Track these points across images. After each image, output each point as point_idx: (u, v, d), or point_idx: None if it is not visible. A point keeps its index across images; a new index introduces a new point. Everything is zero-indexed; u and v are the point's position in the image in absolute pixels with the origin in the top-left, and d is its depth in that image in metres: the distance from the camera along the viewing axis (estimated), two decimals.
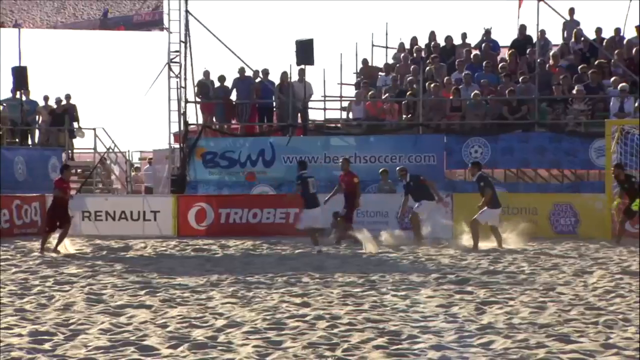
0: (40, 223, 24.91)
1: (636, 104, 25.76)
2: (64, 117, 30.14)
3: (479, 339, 8.90)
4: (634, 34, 27.18)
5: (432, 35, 29.96)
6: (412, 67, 28.28)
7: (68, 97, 30.98)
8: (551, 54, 28.27)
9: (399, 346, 8.41)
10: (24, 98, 29.91)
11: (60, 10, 30.55)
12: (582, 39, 28.46)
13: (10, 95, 30.07)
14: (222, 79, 29.23)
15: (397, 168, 23.02)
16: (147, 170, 32.26)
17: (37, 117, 31.09)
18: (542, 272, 16.21)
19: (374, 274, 16.20)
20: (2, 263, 18.25)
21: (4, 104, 29.22)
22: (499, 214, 21.50)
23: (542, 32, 28.41)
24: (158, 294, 13.23)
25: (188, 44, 28.35)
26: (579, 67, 26.48)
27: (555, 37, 30.14)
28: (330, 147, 27.70)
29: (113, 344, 8.55)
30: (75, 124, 30.50)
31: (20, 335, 9.14)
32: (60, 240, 20.40)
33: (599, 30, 26.76)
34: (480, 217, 20.92)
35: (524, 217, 23.35)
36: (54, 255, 20.00)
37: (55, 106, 30.51)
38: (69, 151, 31.33)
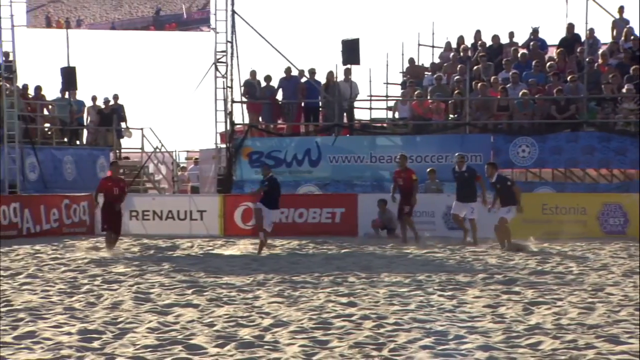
0: (88, 222, 25.65)
1: None
2: (111, 117, 30.54)
3: (527, 339, 8.81)
4: None
5: (479, 34, 29.92)
6: (459, 66, 28.19)
7: (116, 97, 31.33)
8: (600, 52, 27.95)
9: (446, 346, 8.38)
10: (72, 98, 29.96)
11: (117, 8, 31.22)
12: (632, 37, 27.72)
13: (59, 95, 30.42)
14: (268, 78, 29.25)
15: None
16: (194, 170, 32.69)
17: (85, 117, 31.49)
18: (590, 272, 16.05)
19: (421, 274, 16.19)
20: (51, 262, 18.53)
21: (53, 104, 29.64)
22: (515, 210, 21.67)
23: (591, 31, 28.17)
24: (205, 293, 13.38)
25: (234, 44, 28.20)
26: (631, 68, 26.12)
27: (604, 35, 29.73)
28: (377, 147, 27.74)
29: (161, 343, 8.71)
30: (123, 124, 30.94)
31: (69, 333, 9.23)
32: (112, 242, 20.89)
33: None
34: (507, 216, 20.94)
35: (572, 217, 23.73)
36: (106, 255, 20.19)
37: (103, 106, 30.92)
38: (117, 151, 31.66)
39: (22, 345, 8.58)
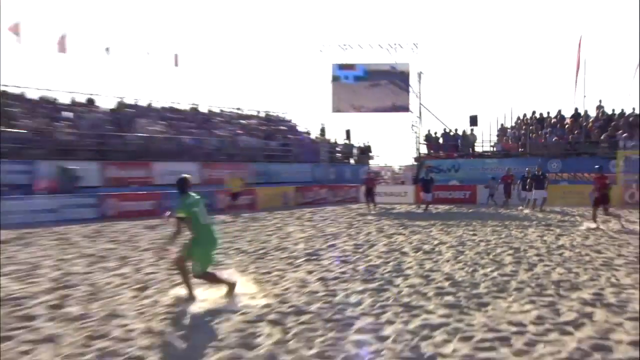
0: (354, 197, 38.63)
1: None
2: (369, 149, 48.82)
3: (558, 252, 16.10)
4: None
5: (526, 115, 43.49)
6: (523, 128, 41.35)
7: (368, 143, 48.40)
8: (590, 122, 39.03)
9: (519, 254, 15.18)
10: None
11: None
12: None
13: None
14: (431, 135, 43.52)
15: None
16: (404, 173, 46.49)
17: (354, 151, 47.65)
18: (583, 222, 23.70)
19: (507, 221, 24.56)
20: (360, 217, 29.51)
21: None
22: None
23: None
24: (408, 228, 21.61)
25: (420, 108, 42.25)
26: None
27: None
28: (485, 164, 39.85)
29: (388, 249, 16.14)
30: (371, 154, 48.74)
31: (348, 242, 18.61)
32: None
33: None
34: (546, 195, 30.24)
35: (576, 196, 32.42)
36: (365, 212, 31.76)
37: (362, 145, 48.46)
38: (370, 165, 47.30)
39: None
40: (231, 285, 10.80)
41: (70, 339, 8.63)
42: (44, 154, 30.76)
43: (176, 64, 41.96)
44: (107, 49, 37.88)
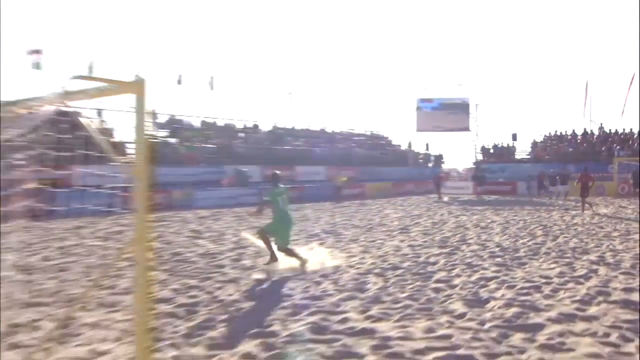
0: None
1: None
2: (441, 156, 48.51)
3: (574, 225, 18.92)
4: None
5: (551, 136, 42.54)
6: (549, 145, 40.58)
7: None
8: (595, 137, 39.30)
9: (547, 229, 15.50)
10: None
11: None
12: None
13: None
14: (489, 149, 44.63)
15: None
16: (466, 174, 43.71)
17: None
18: (600, 206, 23.82)
19: (540, 207, 24.61)
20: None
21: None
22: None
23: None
24: (469, 211, 22.58)
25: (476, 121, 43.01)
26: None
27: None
28: (520, 166, 39.34)
29: (456, 226, 16.52)
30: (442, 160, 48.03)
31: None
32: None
33: None
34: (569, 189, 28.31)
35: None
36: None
37: (437, 154, 47.46)
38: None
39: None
40: (303, 261, 9.85)
41: (245, 280, 9.06)
42: (228, 161, 31.78)
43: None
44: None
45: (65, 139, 4.90)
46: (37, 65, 27.31)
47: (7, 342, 5.48)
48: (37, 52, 27.62)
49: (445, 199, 31.41)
